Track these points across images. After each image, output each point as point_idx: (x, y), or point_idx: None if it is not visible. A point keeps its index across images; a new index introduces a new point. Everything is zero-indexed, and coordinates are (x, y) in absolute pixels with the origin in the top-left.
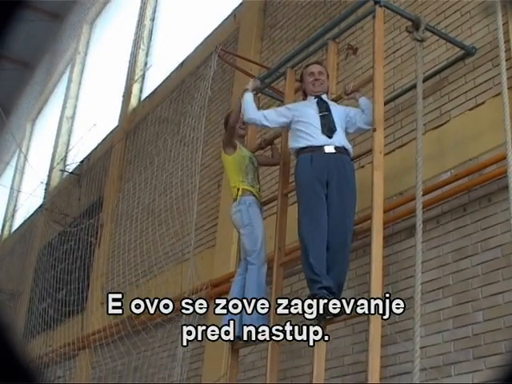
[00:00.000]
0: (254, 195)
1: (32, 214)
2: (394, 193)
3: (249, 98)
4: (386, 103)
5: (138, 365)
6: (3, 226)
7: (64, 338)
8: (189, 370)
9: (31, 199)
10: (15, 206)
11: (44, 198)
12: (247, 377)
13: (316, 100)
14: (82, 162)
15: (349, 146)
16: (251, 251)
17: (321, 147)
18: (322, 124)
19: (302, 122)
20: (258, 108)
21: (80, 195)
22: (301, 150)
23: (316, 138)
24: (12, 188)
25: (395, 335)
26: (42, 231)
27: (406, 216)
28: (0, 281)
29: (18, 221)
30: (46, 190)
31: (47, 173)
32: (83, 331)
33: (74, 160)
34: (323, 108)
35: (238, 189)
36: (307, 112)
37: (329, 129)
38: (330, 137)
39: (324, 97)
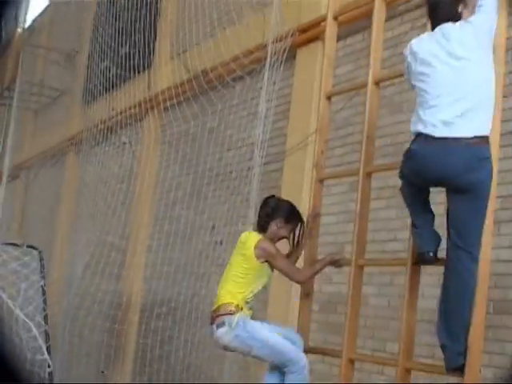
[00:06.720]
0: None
1: None
2: None
3: None
4: None
5: (213, 126)
6: None
7: (129, 98)
8: (272, 129)
9: None
10: None
11: None
12: (339, 136)
13: None
14: None
15: None
16: (284, 362)
17: None
18: None
19: None
20: None
21: None
22: None
23: None
24: None
25: None
26: None
27: None
28: (54, 40)
29: None
30: None
31: None
32: (150, 90)
33: None
34: None
35: (237, 305)
36: None
37: None
38: None
39: None
